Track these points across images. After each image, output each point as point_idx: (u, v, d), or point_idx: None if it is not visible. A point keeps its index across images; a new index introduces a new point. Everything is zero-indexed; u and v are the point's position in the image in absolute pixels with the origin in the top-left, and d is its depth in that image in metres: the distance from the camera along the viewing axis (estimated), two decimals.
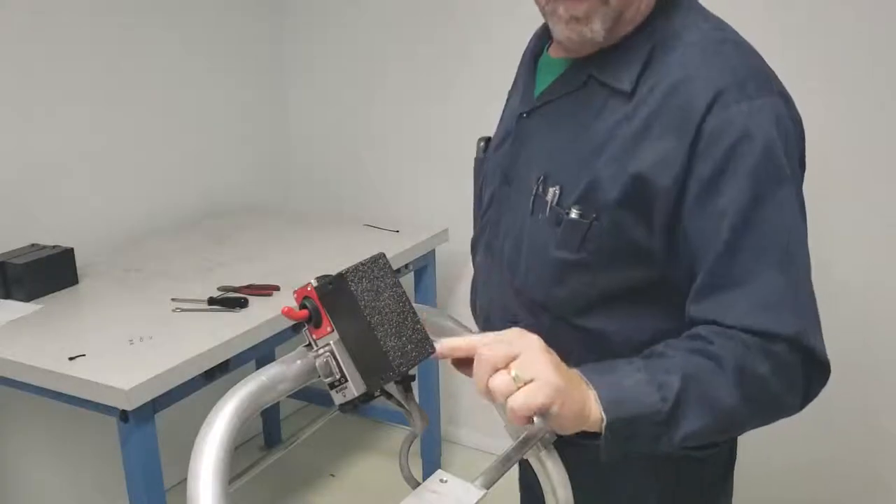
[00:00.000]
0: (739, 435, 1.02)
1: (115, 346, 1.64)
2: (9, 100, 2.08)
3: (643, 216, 0.91)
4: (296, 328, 1.84)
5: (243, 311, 1.82)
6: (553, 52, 1.06)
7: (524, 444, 0.91)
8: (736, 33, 0.98)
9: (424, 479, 0.81)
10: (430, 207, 2.71)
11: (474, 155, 1.22)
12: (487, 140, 1.18)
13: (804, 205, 0.91)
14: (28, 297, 1.89)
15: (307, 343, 0.79)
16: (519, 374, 0.74)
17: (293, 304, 0.79)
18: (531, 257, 1.01)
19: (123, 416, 1.51)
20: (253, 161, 2.89)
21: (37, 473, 2.20)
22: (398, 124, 2.78)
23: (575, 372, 0.80)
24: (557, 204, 0.96)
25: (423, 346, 0.80)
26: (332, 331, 0.76)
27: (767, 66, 0.95)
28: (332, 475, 2.72)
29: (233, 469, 0.71)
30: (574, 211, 0.94)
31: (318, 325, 0.77)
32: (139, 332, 1.70)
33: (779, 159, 0.87)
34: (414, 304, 0.82)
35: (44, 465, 2.21)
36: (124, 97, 2.38)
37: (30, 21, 2.11)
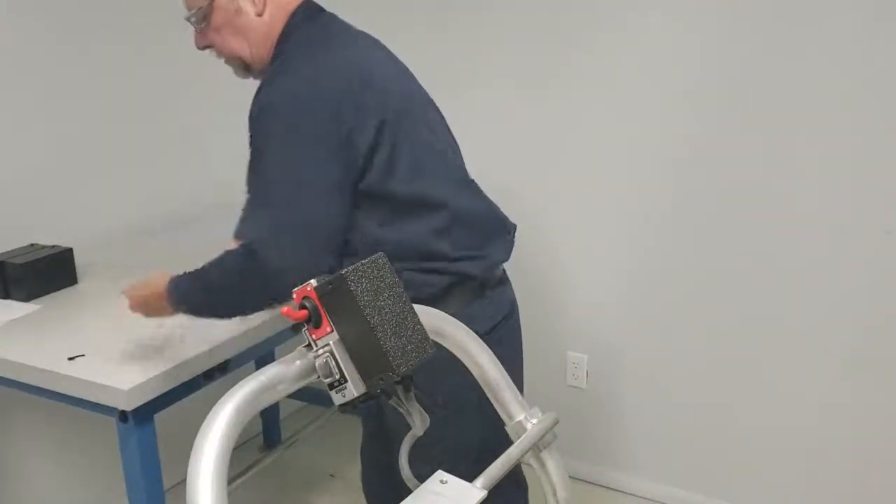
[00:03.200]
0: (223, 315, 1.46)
1: (115, 346, 1.64)
2: (8, 100, 2.07)
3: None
4: (295, 328, 1.84)
5: None
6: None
7: (524, 444, 0.91)
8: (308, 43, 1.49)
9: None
10: None
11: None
12: None
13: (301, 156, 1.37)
14: (28, 297, 1.88)
15: (307, 343, 0.79)
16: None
17: (293, 304, 0.79)
18: None
19: (123, 416, 1.51)
20: None
21: (36, 474, 2.20)
22: None
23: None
24: None
25: (423, 346, 0.80)
26: (332, 331, 0.76)
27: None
28: (332, 475, 2.71)
29: (233, 469, 0.71)
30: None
31: (317, 325, 0.77)
32: (138, 332, 1.70)
33: (276, 121, 1.40)
34: (413, 305, 0.82)
35: (43, 465, 2.21)
36: (124, 96, 2.38)
37: (29, 20, 2.11)
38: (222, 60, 1.56)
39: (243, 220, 1.35)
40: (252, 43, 1.47)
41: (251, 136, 1.42)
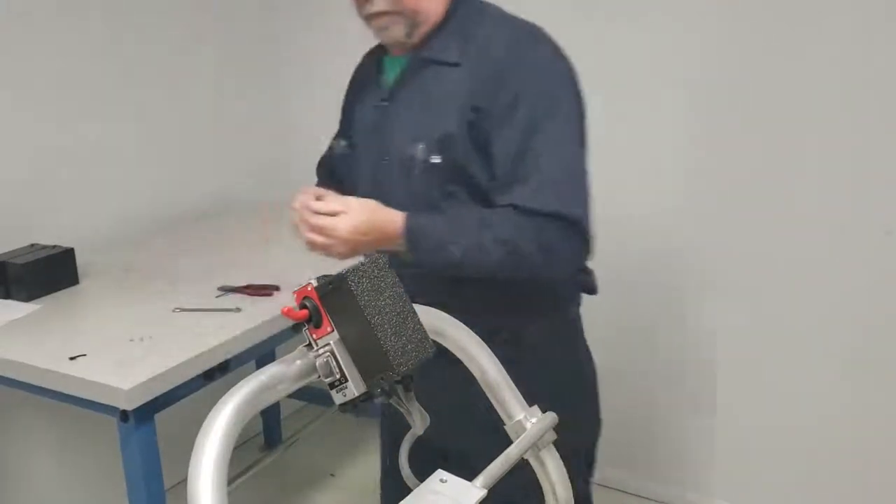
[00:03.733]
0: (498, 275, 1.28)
1: (115, 346, 1.64)
2: (9, 100, 2.08)
3: (474, 147, 1.24)
4: (296, 328, 1.84)
5: (243, 311, 1.82)
6: (396, 53, 1.38)
7: (524, 443, 0.91)
8: (500, 9, 1.34)
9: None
10: None
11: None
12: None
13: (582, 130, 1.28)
14: (28, 297, 1.89)
15: (307, 343, 0.79)
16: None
17: (293, 303, 0.79)
18: (419, 200, 1.29)
19: (123, 416, 1.51)
20: (253, 161, 2.89)
21: (37, 473, 2.20)
22: None
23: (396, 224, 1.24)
24: (424, 158, 1.27)
25: (423, 346, 0.81)
26: (332, 331, 0.76)
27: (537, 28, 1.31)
28: (332, 475, 2.72)
29: (233, 469, 0.71)
30: (435, 158, 1.26)
31: (318, 325, 0.77)
32: (139, 332, 1.70)
33: (562, 85, 1.25)
34: (414, 305, 0.82)
35: (44, 465, 2.21)
36: (125, 97, 2.38)
37: (30, 21, 2.11)
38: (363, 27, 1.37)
39: (559, 190, 1.21)
40: None
41: (529, 91, 1.22)
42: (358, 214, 1.20)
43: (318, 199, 1.27)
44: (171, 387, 1.57)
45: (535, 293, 1.35)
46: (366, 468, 2.75)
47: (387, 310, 0.78)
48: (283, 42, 2.93)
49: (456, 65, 1.25)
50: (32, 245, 2.01)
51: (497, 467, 0.86)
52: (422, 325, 0.81)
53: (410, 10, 1.29)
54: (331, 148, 1.61)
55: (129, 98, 2.39)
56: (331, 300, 0.76)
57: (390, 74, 1.36)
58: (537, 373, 1.17)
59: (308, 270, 1.02)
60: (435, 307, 1.00)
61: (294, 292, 0.79)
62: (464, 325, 0.99)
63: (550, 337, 1.39)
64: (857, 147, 2.00)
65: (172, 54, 2.52)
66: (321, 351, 0.77)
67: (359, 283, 0.77)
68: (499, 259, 1.20)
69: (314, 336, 0.78)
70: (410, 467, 0.83)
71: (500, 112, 1.20)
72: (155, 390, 1.53)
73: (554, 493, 0.95)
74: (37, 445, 2.19)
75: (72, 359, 1.57)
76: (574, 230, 1.21)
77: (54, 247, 1.99)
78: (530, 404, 0.91)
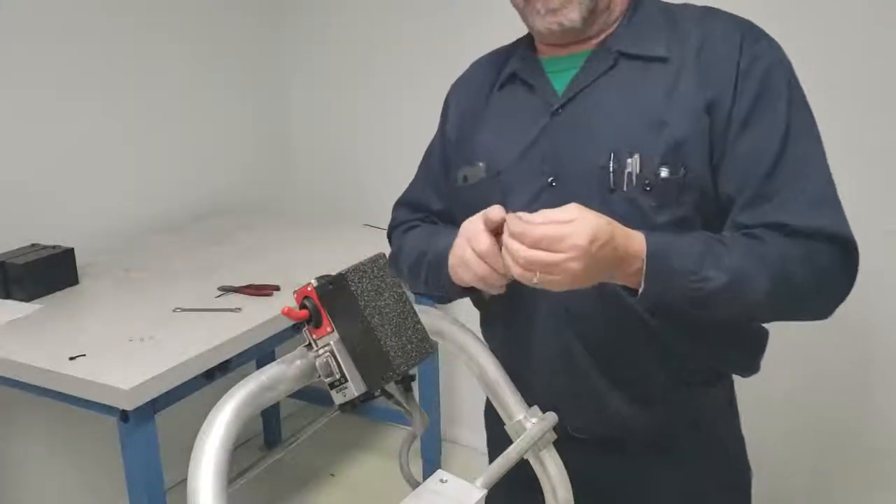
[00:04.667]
0: (761, 319, 1.10)
1: (115, 346, 1.64)
2: (9, 100, 2.08)
3: (709, 157, 1.01)
4: (296, 328, 1.84)
5: (243, 311, 1.82)
6: (552, 52, 1.12)
7: (523, 443, 0.91)
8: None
9: (424, 479, 0.81)
10: None
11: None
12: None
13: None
14: (28, 297, 1.89)
15: (307, 343, 0.79)
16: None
17: (293, 303, 0.79)
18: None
19: (123, 416, 1.51)
20: (253, 161, 2.89)
21: (37, 473, 2.20)
22: (398, 124, 2.77)
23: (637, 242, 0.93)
24: (641, 172, 1.00)
25: (423, 346, 0.81)
26: (332, 331, 0.76)
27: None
28: (332, 475, 2.72)
29: (233, 469, 0.71)
30: (664, 171, 0.99)
31: (318, 325, 0.77)
32: (139, 332, 1.70)
33: (796, 80, 1.04)
34: (414, 305, 0.82)
35: (44, 465, 2.21)
36: (124, 97, 2.38)
37: (30, 21, 2.11)
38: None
39: (828, 206, 1.01)
40: None
41: (774, 91, 1.01)
42: (595, 218, 0.90)
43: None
44: (171, 387, 1.57)
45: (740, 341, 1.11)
46: (366, 468, 2.75)
47: (387, 310, 0.78)
48: (284, 42, 2.93)
49: (663, 59, 1.03)
50: (33, 245, 2.01)
51: (497, 467, 0.86)
52: (422, 324, 0.81)
53: None
54: (424, 179, 1.30)
55: (129, 98, 2.39)
56: (331, 300, 0.76)
57: (560, 77, 1.10)
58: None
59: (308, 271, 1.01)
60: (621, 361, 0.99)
61: (294, 292, 0.79)
62: (463, 325, 0.99)
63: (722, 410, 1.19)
64: (856, 147, 2.00)
65: (172, 54, 2.52)
66: (321, 351, 0.77)
67: (359, 283, 0.77)
68: (766, 291, 0.94)
69: (314, 336, 0.78)
70: None
71: (740, 115, 1.00)
72: (155, 390, 1.53)
73: (554, 494, 0.95)
74: (37, 445, 2.19)
75: (72, 359, 1.57)
76: (848, 253, 1.00)
77: (54, 247, 1.99)
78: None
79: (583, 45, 1.08)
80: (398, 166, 2.80)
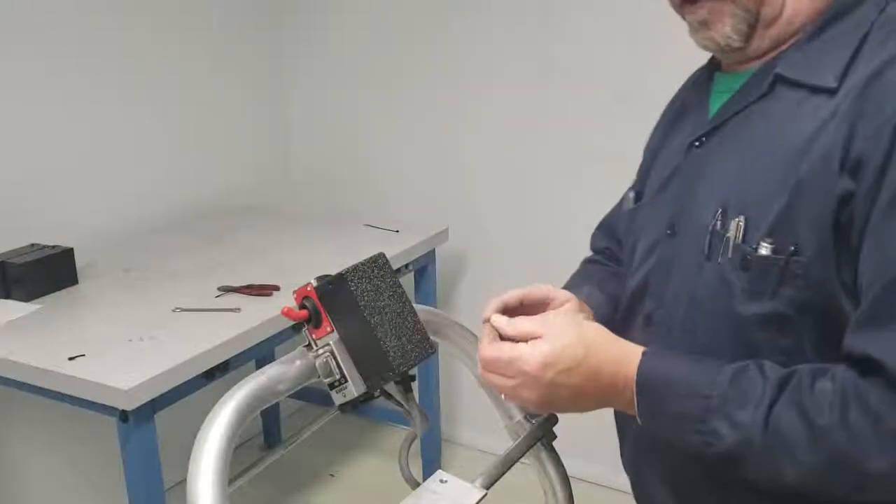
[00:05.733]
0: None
1: (115, 346, 1.64)
2: (9, 100, 2.07)
3: (833, 237, 0.72)
4: (296, 328, 1.84)
5: (243, 311, 1.82)
6: (726, 69, 0.91)
7: (524, 444, 0.91)
8: None
9: (424, 480, 0.81)
10: (430, 207, 2.71)
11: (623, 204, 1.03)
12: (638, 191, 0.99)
13: None
14: (28, 297, 1.88)
15: (307, 343, 0.79)
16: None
17: (293, 303, 0.79)
18: (713, 322, 0.80)
19: (123, 416, 1.51)
20: (253, 161, 2.89)
21: (36, 474, 2.20)
22: (398, 124, 2.78)
23: (629, 365, 0.77)
24: (742, 240, 0.76)
25: (423, 346, 0.80)
26: (332, 331, 0.76)
27: None
28: (332, 475, 2.71)
29: (233, 469, 0.71)
30: (765, 245, 0.75)
31: (317, 325, 0.77)
32: (139, 332, 1.70)
33: None
34: (414, 305, 0.82)
35: (43, 465, 2.21)
36: (124, 97, 2.38)
37: (30, 21, 2.11)
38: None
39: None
40: None
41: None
42: (558, 340, 0.74)
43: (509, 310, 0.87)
44: (171, 387, 1.57)
45: None
46: (366, 468, 2.75)
47: (386, 310, 0.78)
48: (284, 42, 2.93)
49: (829, 91, 0.75)
50: (32, 245, 2.01)
51: (497, 468, 0.86)
52: (422, 325, 0.81)
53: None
54: (621, 201, 1.10)
55: (129, 98, 2.39)
56: (330, 300, 0.76)
57: (717, 100, 0.88)
58: None
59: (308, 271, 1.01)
60: None
61: (294, 292, 0.78)
62: (463, 325, 0.99)
63: None
64: None
65: (172, 55, 2.52)
66: (321, 351, 0.77)
67: (358, 283, 0.77)
68: (812, 465, 0.68)
69: (314, 336, 0.78)
70: None
71: (887, 198, 0.68)
72: (155, 390, 1.53)
73: (554, 494, 0.95)
74: (37, 445, 2.19)
75: (71, 359, 1.57)
76: None
77: (54, 247, 1.99)
78: None
79: (759, 60, 0.84)
80: (398, 166, 2.82)
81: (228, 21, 2.72)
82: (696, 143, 0.86)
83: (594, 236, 1.18)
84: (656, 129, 1.04)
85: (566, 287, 1.02)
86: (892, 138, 0.68)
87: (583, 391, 0.76)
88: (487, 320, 0.84)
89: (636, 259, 0.94)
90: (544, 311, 0.87)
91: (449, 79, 2.63)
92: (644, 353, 0.76)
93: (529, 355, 0.75)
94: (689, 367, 0.76)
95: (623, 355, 0.76)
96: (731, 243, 0.77)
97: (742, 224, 0.76)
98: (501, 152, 2.55)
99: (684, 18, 0.86)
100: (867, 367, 0.68)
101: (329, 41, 2.85)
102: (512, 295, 0.88)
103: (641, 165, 1.04)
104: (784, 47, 0.82)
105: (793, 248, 0.73)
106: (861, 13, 0.78)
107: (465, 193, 2.65)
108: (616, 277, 1.06)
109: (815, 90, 0.76)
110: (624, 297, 0.97)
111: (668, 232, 0.87)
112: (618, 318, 0.98)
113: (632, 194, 1.00)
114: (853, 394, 0.68)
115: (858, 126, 0.70)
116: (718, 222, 0.79)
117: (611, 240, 1.13)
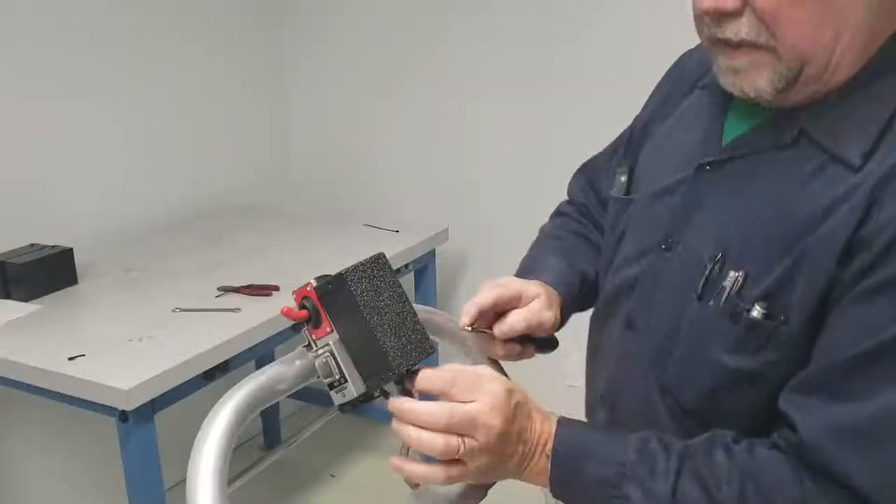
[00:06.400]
0: None
1: (115, 346, 1.64)
2: (8, 100, 2.07)
3: (815, 312, 0.73)
4: (295, 328, 1.84)
5: (243, 311, 1.82)
6: None
7: None
8: None
9: None
10: (430, 207, 2.71)
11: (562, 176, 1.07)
12: (629, 172, 0.97)
13: None
14: (27, 297, 1.88)
15: (306, 343, 0.79)
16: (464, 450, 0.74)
17: (293, 303, 0.79)
18: (689, 355, 0.81)
19: (123, 416, 1.51)
20: (253, 161, 2.89)
21: (36, 474, 2.20)
22: (398, 124, 2.78)
23: (543, 434, 0.78)
24: (738, 293, 0.76)
25: (423, 346, 0.80)
26: (332, 331, 0.76)
27: None
28: (332, 475, 2.71)
29: (233, 469, 0.71)
30: (758, 308, 0.74)
31: (317, 325, 0.77)
32: (139, 332, 1.70)
33: None
34: (413, 305, 0.82)
35: (43, 465, 2.21)
36: (124, 97, 2.38)
37: (30, 21, 2.11)
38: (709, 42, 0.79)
39: (861, 445, 0.68)
40: (847, 34, 0.73)
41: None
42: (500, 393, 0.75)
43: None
44: (171, 387, 1.57)
45: None
46: (366, 468, 2.75)
47: (386, 310, 0.78)
48: (285, 42, 2.93)
49: (853, 168, 0.72)
50: (32, 245, 2.01)
51: None
52: (421, 324, 0.81)
53: (792, 46, 0.72)
54: (610, 154, 1.10)
55: (129, 98, 2.39)
56: (330, 300, 0.76)
57: (733, 125, 0.84)
58: None
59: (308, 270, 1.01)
60: None
61: (293, 292, 0.78)
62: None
63: None
64: None
65: (172, 55, 2.52)
66: (320, 351, 0.77)
67: (358, 283, 0.77)
68: None
69: (313, 336, 0.77)
70: None
71: (868, 285, 0.69)
72: (155, 390, 1.53)
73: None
74: (37, 445, 2.19)
75: (71, 359, 1.57)
76: None
77: (54, 247, 1.99)
78: None
79: (783, 102, 0.78)
80: (398, 166, 2.82)
81: (228, 21, 2.72)
82: (708, 167, 0.83)
83: (574, 182, 1.18)
84: (651, 100, 1.03)
85: (536, 250, 1.07)
86: (885, 247, 0.68)
87: (492, 457, 0.75)
88: (467, 328, 0.88)
89: (621, 257, 0.94)
90: (516, 308, 0.91)
91: (449, 79, 2.63)
92: (559, 422, 0.78)
93: (493, 380, 0.76)
94: (599, 437, 0.79)
95: (536, 425, 0.78)
96: (725, 292, 0.77)
97: (741, 278, 0.76)
98: (501, 152, 2.55)
99: (714, 56, 0.80)
100: (787, 423, 0.72)
101: (329, 41, 2.84)
102: (486, 297, 0.90)
103: (631, 137, 1.03)
104: (820, 96, 0.77)
105: (783, 317, 0.74)
106: (892, 82, 0.74)
107: (465, 193, 2.65)
108: (588, 244, 1.08)
109: (838, 160, 0.73)
110: (602, 289, 0.98)
111: (663, 247, 0.86)
112: (596, 309, 1.00)
113: (623, 178, 0.97)
114: (748, 471, 0.71)
115: (868, 219, 0.69)
116: (716, 267, 0.79)
117: (590, 193, 1.13)
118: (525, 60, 2.41)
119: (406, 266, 2.33)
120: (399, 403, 0.74)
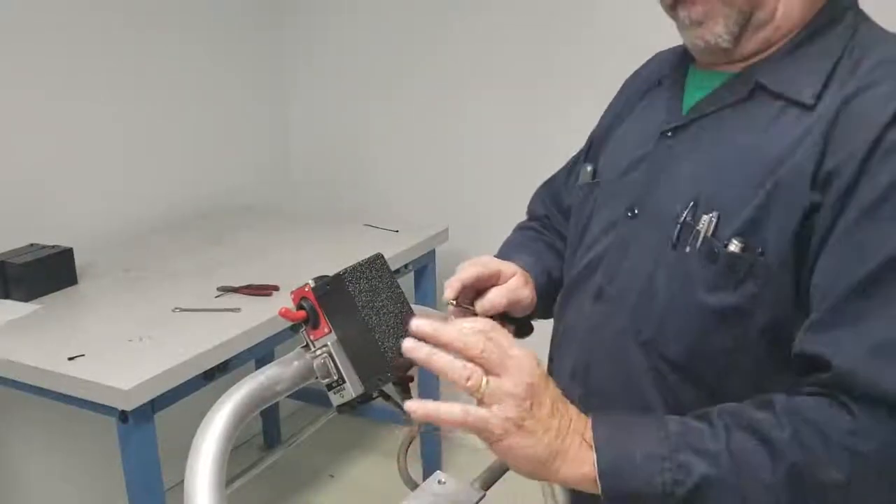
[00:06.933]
0: None
1: (115, 346, 1.64)
2: (8, 100, 2.07)
3: (794, 243, 0.77)
4: (294, 329, 1.84)
5: (243, 311, 1.82)
6: (702, 66, 0.93)
7: None
8: None
9: (424, 480, 0.81)
10: (430, 207, 2.71)
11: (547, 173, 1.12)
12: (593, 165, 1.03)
13: None
14: (27, 297, 1.88)
15: (305, 344, 0.79)
16: (488, 390, 0.72)
17: (292, 304, 0.79)
18: (671, 304, 0.84)
19: (123, 416, 1.51)
20: (253, 161, 2.89)
21: (36, 474, 2.20)
22: (398, 124, 2.78)
23: (580, 421, 0.74)
24: (713, 234, 0.80)
25: None
26: (330, 332, 0.76)
27: None
28: (332, 475, 2.71)
29: (233, 469, 0.71)
30: (735, 242, 0.79)
31: (315, 325, 0.77)
32: (139, 332, 1.70)
33: None
34: (413, 305, 0.82)
35: (43, 465, 2.21)
36: (124, 97, 2.38)
37: (30, 21, 2.11)
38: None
39: (885, 360, 0.70)
40: None
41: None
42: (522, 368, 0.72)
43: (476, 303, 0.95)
44: (171, 387, 1.57)
45: None
46: (366, 468, 2.75)
47: (384, 310, 0.78)
48: (284, 42, 2.93)
49: (806, 107, 0.80)
50: (32, 245, 2.01)
51: (496, 469, 0.86)
52: None
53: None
54: (568, 170, 1.19)
55: (128, 98, 2.39)
56: (328, 301, 0.76)
57: (692, 95, 0.92)
58: None
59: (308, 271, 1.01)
60: None
61: (291, 293, 0.78)
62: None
63: None
64: None
65: (172, 54, 2.52)
66: (319, 352, 0.77)
67: (356, 283, 0.77)
68: (774, 485, 0.70)
69: (312, 337, 0.78)
70: None
71: (861, 203, 0.73)
72: (155, 390, 1.53)
73: (553, 495, 0.94)
74: (37, 445, 2.19)
75: (70, 359, 1.57)
76: None
77: (53, 247, 1.99)
78: None
79: (736, 64, 0.88)
80: (398, 166, 2.82)
81: (228, 21, 2.72)
82: (670, 133, 0.90)
83: (535, 199, 1.22)
84: (617, 100, 1.09)
85: (501, 255, 1.06)
86: (863, 159, 0.73)
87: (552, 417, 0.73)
88: (452, 301, 0.90)
89: (589, 236, 0.97)
90: (493, 286, 0.95)
91: (449, 79, 2.63)
92: (592, 415, 0.76)
93: (522, 351, 0.72)
94: (632, 419, 0.77)
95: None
96: (700, 235, 0.81)
97: (715, 220, 0.81)
98: (501, 152, 2.55)
99: (675, 17, 0.89)
100: (815, 365, 0.73)
101: (329, 41, 2.85)
102: (469, 272, 0.93)
103: (595, 136, 1.09)
104: (763, 56, 0.86)
105: (759, 249, 0.78)
106: (836, 33, 0.83)
107: (465, 193, 2.65)
108: (551, 250, 1.11)
109: (793, 103, 0.81)
110: (568, 274, 1.00)
111: (629, 214, 0.90)
112: (562, 294, 1.01)
113: (589, 168, 1.02)
114: (796, 414, 0.72)
115: (830, 148, 0.76)
116: (690, 214, 0.83)
117: (552, 207, 1.17)
118: (525, 60, 2.41)
119: (406, 266, 2.33)
120: (437, 324, 0.71)
